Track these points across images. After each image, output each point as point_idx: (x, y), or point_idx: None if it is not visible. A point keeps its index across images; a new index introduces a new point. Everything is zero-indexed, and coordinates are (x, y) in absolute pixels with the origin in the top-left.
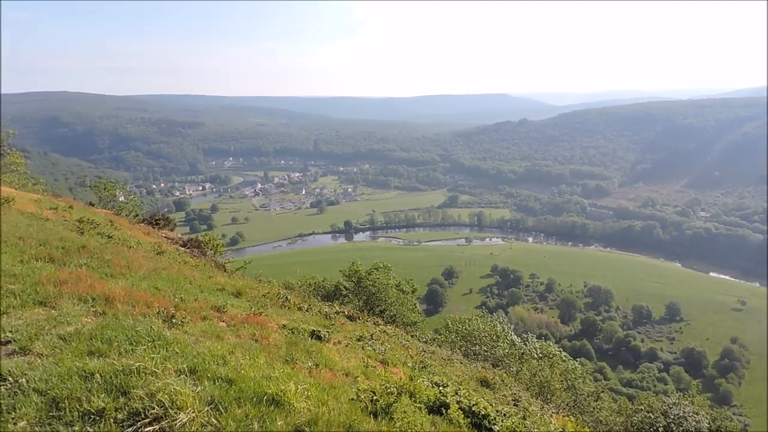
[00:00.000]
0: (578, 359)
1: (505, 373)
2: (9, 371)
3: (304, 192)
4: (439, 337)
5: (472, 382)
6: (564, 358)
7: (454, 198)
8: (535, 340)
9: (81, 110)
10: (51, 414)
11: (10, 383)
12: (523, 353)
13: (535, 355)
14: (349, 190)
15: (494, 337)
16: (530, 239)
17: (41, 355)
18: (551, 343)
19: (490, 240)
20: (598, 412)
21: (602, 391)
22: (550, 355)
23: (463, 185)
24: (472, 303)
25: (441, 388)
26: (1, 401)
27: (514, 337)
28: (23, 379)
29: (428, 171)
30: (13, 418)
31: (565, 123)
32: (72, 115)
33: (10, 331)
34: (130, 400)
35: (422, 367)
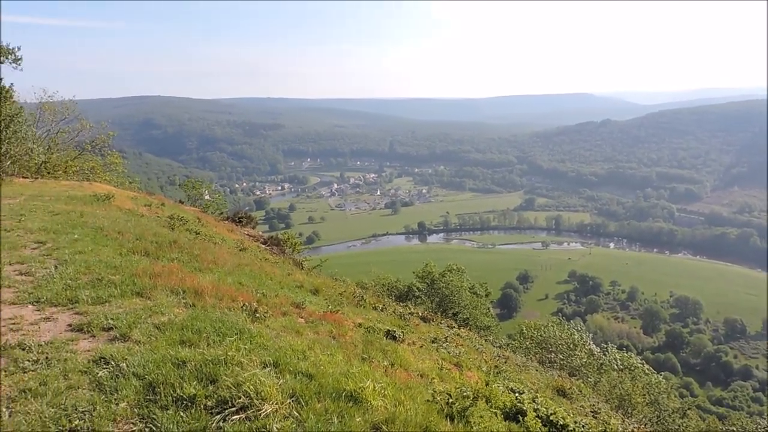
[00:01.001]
0: (662, 373)
1: (583, 383)
2: (111, 355)
3: (378, 193)
4: (513, 342)
5: (548, 391)
6: (647, 371)
7: (531, 201)
8: (616, 351)
9: (172, 113)
10: (148, 397)
11: (112, 367)
12: (602, 364)
13: (615, 367)
14: (424, 191)
15: (571, 346)
16: (612, 245)
17: (139, 342)
18: (633, 355)
19: (568, 245)
20: (683, 431)
21: (689, 409)
22: (632, 367)
23: (541, 188)
24: (548, 309)
25: (517, 394)
26: (105, 383)
27: (593, 346)
28: (123, 364)
29: (504, 173)
30: (115, 399)
31: (653, 123)
32: (164, 117)
33: (112, 319)
34: (218, 388)
35: (497, 373)
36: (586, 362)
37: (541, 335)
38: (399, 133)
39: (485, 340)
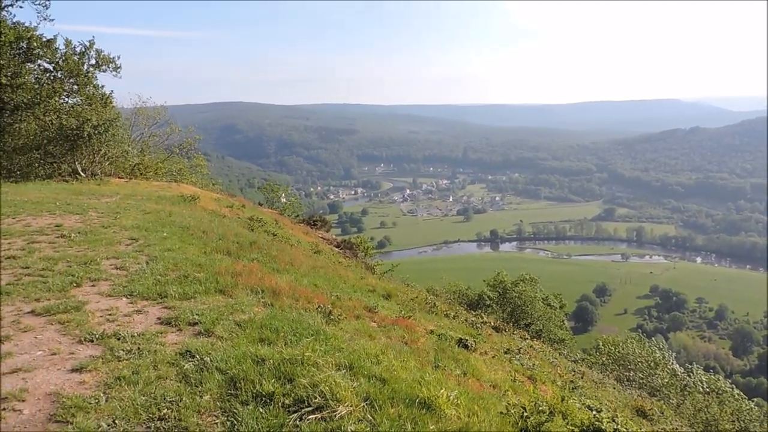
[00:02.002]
0: (754, 399)
1: (665, 404)
2: (196, 349)
3: (451, 199)
4: (589, 357)
5: (627, 410)
6: (737, 395)
7: (611, 211)
8: (701, 372)
9: (253, 119)
10: (229, 392)
11: (197, 360)
12: (685, 385)
13: (701, 389)
14: (497, 198)
15: (652, 364)
16: (698, 259)
17: (221, 337)
18: (720, 378)
19: (651, 258)
20: None
21: None
22: (719, 391)
23: (621, 197)
24: (627, 324)
25: (595, 412)
26: (191, 375)
27: (676, 366)
28: (207, 358)
29: (582, 181)
30: (199, 392)
31: (748, 131)
32: (245, 122)
33: (197, 314)
34: (295, 387)
35: (573, 388)
36: (668, 383)
37: (619, 351)
38: (473, 140)
39: (559, 354)
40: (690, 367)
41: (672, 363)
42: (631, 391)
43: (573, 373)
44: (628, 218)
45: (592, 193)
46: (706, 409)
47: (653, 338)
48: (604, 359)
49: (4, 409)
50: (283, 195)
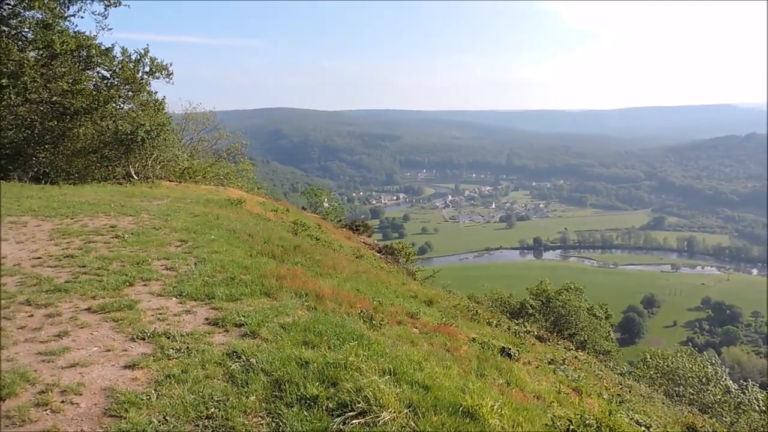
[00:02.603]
0: None
1: (717, 422)
2: (242, 350)
3: (493, 206)
4: (636, 370)
5: (676, 427)
6: None
7: (660, 219)
8: (757, 390)
9: (298, 124)
10: (274, 393)
11: (243, 361)
12: (740, 402)
13: (757, 408)
14: (541, 205)
15: (704, 380)
16: (754, 271)
17: (266, 339)
18: None
19: (702, 268)
20: None
21: None
22: None
23: (671, 206)
24: (676, 338)
25: (644, 428)
26: (237, 376)
27: (729, 382)
28: (253, 359)
29: (630, 189)
30: (245, 392)
31: None
32: (291, 128)
33: (243, 316)
34: (338, 391)
35: (620, 402)
36: (720, 399)
37: (668, 365)
38: (517, 146)
39: (605, 366)
40: (745, 383)
41: (725, 379)
42: (681, 407)
43: (620, 386)
44: (678, 227)
45: (640, 202)
46: (762, 429)
47: (704, 352)
48: (652, 373)
49: (62, 401)
50: (326, 200)
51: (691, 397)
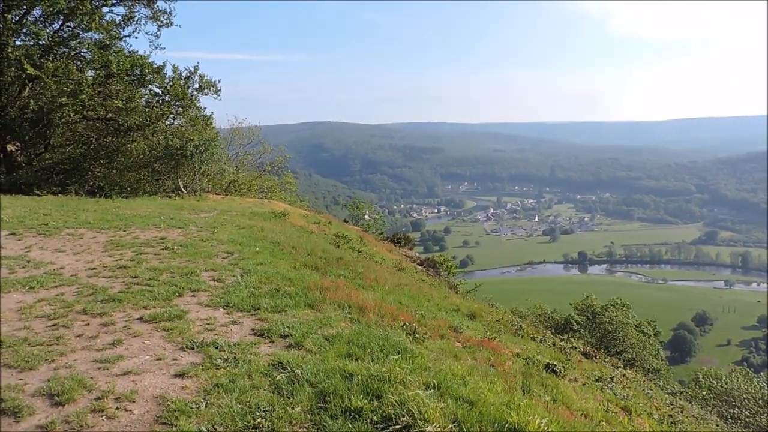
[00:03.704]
0: None
1: None
2: (287, 361)
3: (536, 219)
4: (687, 390)
5: None
6: None
7: (712, 234)
8: None
9: (340, 137)
10: (319, 405)
11: (288, 372)
12: None
13: None
14: (586, 219)
15: (760, 402)
16: None
17: (311, 351)
18: None
19: (758, 285)
20: None
21: None
22: None
23: (725, 220)
24: (730, 357)
25: None
26: (283, 387)
27: None
28: (298, 370)
29: (680, 202)
30: (291, 403)
31: None
32: (333, 141)
33: (288, 327)
34: (383, 404)
35: (672, 422)
36: None
37: (722, 386)
38: (561, 158)
39: (654, 385)
40: None
41: None
42: (736, 429)
43: (671, 406)
44: (732, 242)
45: (691, 215)
46: None
47: (761, 373)
48: (704, 393)
49: (117, 408)
50: (367, 212)
51: (747, 419)
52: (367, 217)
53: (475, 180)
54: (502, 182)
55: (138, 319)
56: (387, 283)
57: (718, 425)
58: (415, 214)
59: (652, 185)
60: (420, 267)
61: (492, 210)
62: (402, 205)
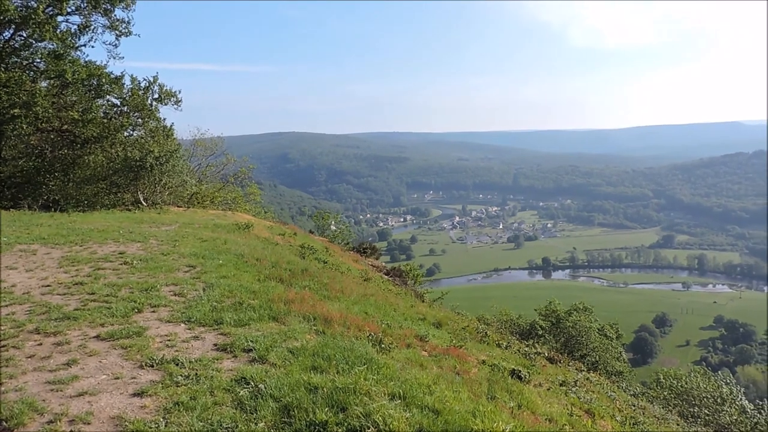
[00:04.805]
0: None
1: None
2: (251, 376)
3: (501, 226)
4: (649, 391)
5: None
6: None
7: (670, 238)
8: None
9: (305, 148)
10: (283, 420)
11: (252, 387)
12: (756, 423)
13: None
14: (549, 225)
15: (719, 400)
16: (767, 288)
17: (275, 365)
18: None
19: (714, 286)
20: None
21: None
22: None
23: (681, 224)
24: (689, 357)
25: None
26: (246, 402)
27: (745, 402)
28: (262, 385)
29: (638, 207)
30: (254, 419)
31: None
32: (298, 152)
33: (251, 341)
34: (348, 417)
35: (634, 423)
36: (736, 420)
37: (682, 386)
38: (524, 166)
39: (617, 387)
40: (761, 403)
41: (741, 399)
42: (696, 428)
43: (633, 407)
44: (688, 245)
45: (649, 220)
46: None
47: (719, 372)
48: (665, 393)
49: (71, 431)
50: (333, 222)
51: (707, 418)
52: (333, 227)
53: (440, 189)
54: (467, 190)
55: (95, 337)
56: (353, 293)
57: (678, 424)
58: (381, 224)
59: (611, 191)
60: (386, 276)
61: (457, 218)
62: (368, 215)
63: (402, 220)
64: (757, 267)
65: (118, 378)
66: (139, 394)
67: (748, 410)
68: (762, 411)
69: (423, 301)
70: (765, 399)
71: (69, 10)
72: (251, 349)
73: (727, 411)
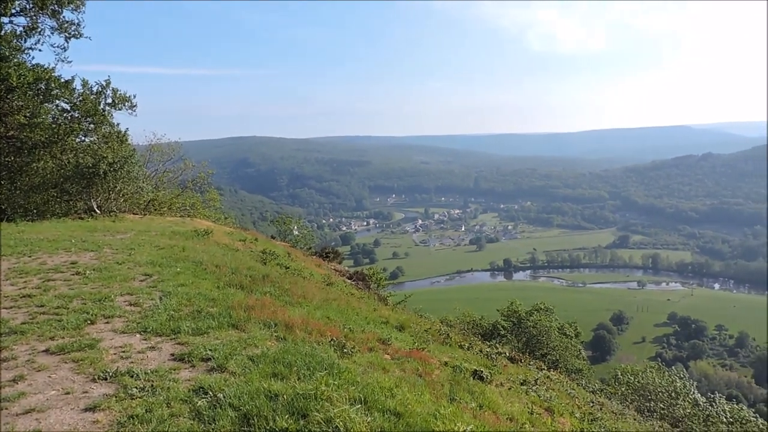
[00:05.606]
0: None
1: None
2: (209, 385)
3: (463, 228)
4: (608, 388)
5: None
6: (761, 425)
7: (625, 238)
8: (724, 402)
9: (266, 152)
10: (243, 429)
11: (210, 397)
12: (708, 415)
13: (724, 419)
14: (510, 227)
15: (673, 394)
16: (716, 286)
17: (234, 373)
18: (744, 407)
19: (667, 284)
20: None
21: None
22: (743, 421)
23: (635, 224)
24: (645, 353)
25: None
26: (204, 412)
27: (698, 395)
28: (221, 394)
29: (595, 209)
30: (213, 429)
31: (762, 156)
32: (258, 156)
33: (210, 350)
34: (309, 423)
35: (592, 420)
36: (690, 413)
37: (639, 381)
38: (484, 169)
39: (577, 384)
40: (712, 396)
41: (693, 392)
42: (652, 422)
43: (592, 404)
44: (643, 245)
45: (605, 221)
46: None
47: (673, 367)
48: (623, 389)
49: None
50: (296, 227)
51: (662, 412)
52: (295, 232)
53: (402, 192)
54: (429, 194)
55: (44, 351)
56: (315, 298)
57: (635, 419)
58: (344, 228)
59: (569, 193)
60: (349, 281)
61: (420, 221)
62: (331, 219)
63: (365, 223)
64: (707, 265)
65: (68, 393)
66: (92, 408)
67: (701, 403)
68: (713, 404)
69: (386, 305)
70: (716, 392)
71: (14, 11)
72: (210, 358)
73: (681, 405)
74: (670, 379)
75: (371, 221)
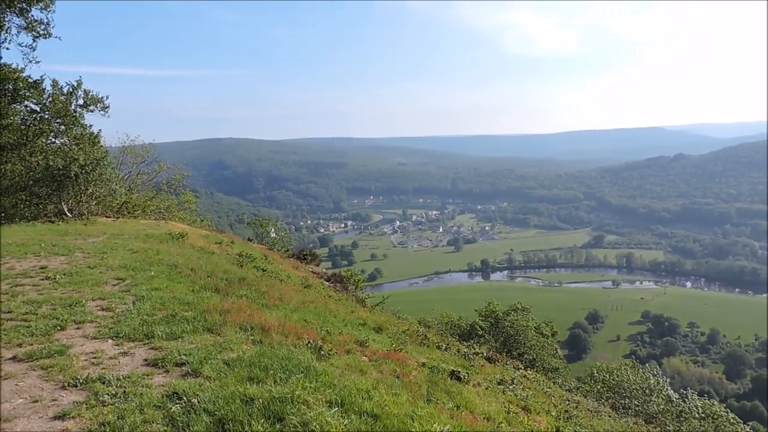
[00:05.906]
0: (749, 423)
1: (661, 431)
2: (183, 391)
3: (441, 230)
4: (584, 386)
5: None
6: (732, 419)
7: (600, 238)
8: (696, 398)
9: (242, 154)
10: None
11: (185, 402)
12: (681, 411)
13: (697, 415)
14: (487, 228)
15: (647, 391)
16: (688, 284)
17: (209, 377)
18: (715, 402)
19: (641, 283)
20: None
21: None
22: (715, 416)
23: (610, 224)
24: (620, 351)
25: None
26: (178, 418)
27: (671, 391)
28: (195, 399)
29: (570, 209)
30: None
31: (731, 157)
32: (235, 158)
33: (184, 354)
34: (285, 427)
35: (567, 418)
36: (663, 409)
37: (614, 379)
38: (461, 170)
39: (553, 383)
40: (685, 392)
41: (667, 389)
42: (627, 419)
43: (567, 402)
44: (617, 245)
45: (580, 221)
46: None
47: (647, 364)
48: (599, 387)
49: None
50: (273, 230)
51: (637, 408)
52: (272, 234)
53: (380, 194)
54: (407, 195)
55: (11, 358)
56: (292, 301)
57: (610, 416)
58: (322, 230)
59: (545, 194)
60: (327, 283)
61: (398, 222)
62: (309, 221)
63: (343, 225)
64: (679, 264)
65: (36, 401)
66: (61, 416)
67: (674, 399)
68: (686, 400)
69: (364, 307)
70: (688, 388)
71: None
72: (184, 363)
73: (654, 401)
74: (644, 377)
75: (349, 223)
